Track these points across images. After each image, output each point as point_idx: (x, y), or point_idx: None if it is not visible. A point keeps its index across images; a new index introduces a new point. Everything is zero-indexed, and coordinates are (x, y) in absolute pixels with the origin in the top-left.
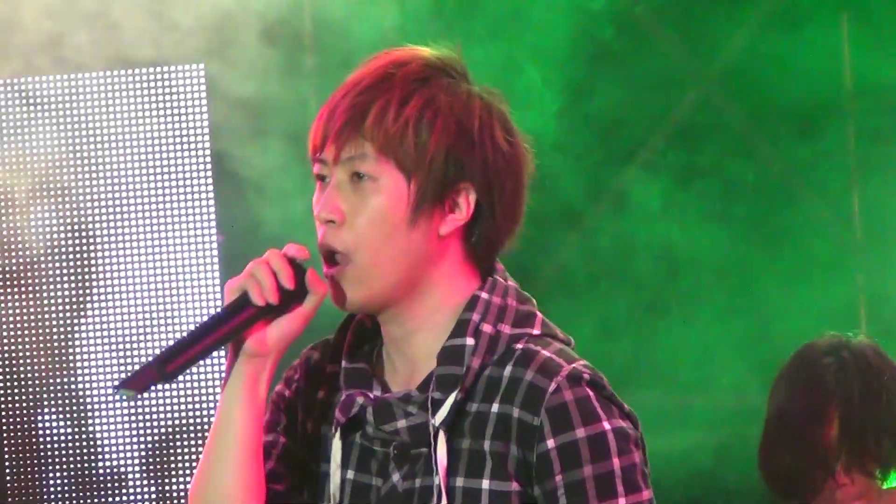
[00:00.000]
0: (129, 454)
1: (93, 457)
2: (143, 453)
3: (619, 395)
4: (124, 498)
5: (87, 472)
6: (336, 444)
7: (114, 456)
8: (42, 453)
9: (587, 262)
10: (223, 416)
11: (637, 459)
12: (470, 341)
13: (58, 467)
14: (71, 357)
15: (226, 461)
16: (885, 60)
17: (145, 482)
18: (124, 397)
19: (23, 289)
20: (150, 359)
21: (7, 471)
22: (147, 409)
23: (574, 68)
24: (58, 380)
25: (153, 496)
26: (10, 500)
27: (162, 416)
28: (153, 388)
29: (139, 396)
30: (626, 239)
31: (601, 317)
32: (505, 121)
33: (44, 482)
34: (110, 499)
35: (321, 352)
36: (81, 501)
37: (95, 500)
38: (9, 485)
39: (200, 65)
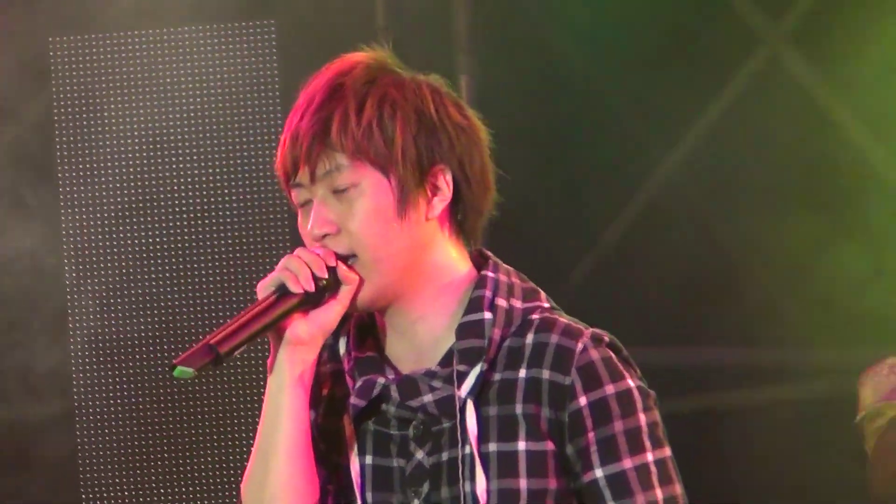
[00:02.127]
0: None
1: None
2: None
3: None
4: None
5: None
6: (350, 432)
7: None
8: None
9: None
10: (272, 408)
11: (657, 417)
12: (488, 315)
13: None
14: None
15: (277, 449)
16: None
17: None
18: (179, 375)
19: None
20: (200, 340)
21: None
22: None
23: None
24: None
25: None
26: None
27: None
28: (207, 369)
29: (195, 375)
30: None
31: None
32: (454, 99)
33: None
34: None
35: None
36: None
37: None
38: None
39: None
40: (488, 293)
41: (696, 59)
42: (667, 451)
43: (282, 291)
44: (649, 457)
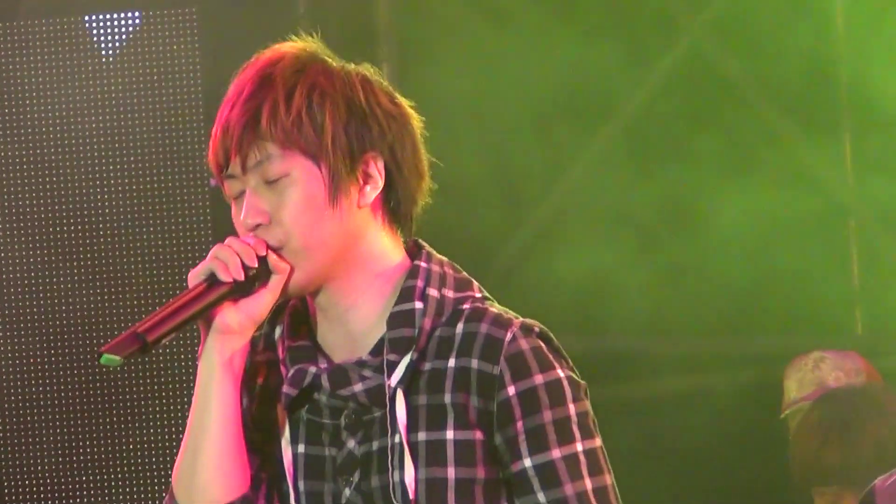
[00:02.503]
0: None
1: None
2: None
3: None
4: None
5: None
6: (283, 421)
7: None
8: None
9: None
10: (202, 396)
11: (588, 407)
12: (419, 305)
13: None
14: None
15: (207, 437)
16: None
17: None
18: (106, 363)
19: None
20: (127, 329)
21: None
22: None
23: None
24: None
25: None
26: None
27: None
28: (135, 356)
29: (122, 363)
30: None
31: None
32: (385, 88)
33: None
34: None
35: (251, 343)
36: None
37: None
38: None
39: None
40: (420, 283)
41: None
42: (597, 442)
43: (211, 280)
44: (578, 447)
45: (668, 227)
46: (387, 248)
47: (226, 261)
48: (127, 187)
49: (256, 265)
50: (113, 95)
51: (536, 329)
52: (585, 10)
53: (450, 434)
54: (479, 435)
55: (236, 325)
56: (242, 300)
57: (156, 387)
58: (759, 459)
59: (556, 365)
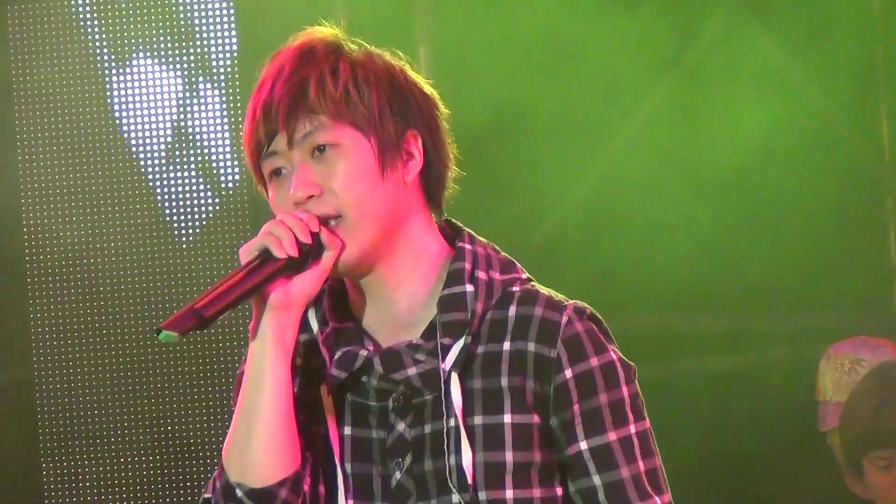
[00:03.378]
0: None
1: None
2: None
3: None
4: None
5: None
6: (328, 403)
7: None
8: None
9: None
10: (255, 370)
11: (638, 389)
12: (470, 288)
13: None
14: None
15: (261, 413)
16: None
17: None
18: (165, 339)
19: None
20: (184, 305)
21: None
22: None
23: None
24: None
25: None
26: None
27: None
28: (192, 331)
29: (180, 339)
30: None
31: None
32: (414, 71)
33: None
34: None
35: None
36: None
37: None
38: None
39: None
40: (468, 265)
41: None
42: (647, 423)
43: (265, 256)
44: (632, 429)
45: (704, 201)
46: (427, 226)
47: (280, 237)
48: (166, 167)
49: (310, 241)
50: (151, 76)
51: (588, 311)
52: None
53: (507, 418)
54: (535, 419)
55: (290, 301)
56: (296, 276)
57: (201, 365)
58: (795, 439)
59: (609, 347)
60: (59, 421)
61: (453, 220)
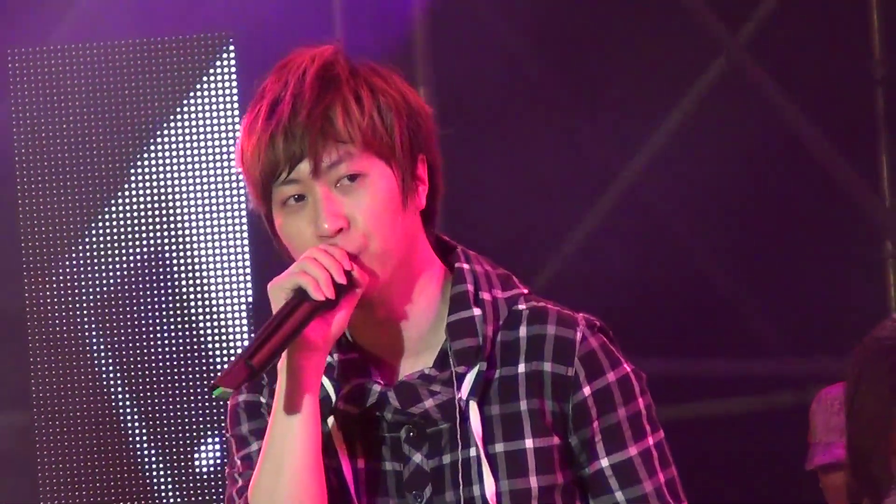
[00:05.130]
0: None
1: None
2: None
3: None
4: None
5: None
6: (338, 435)
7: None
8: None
9: None
10: (285, 411)
11: (650, 399)
12: (477, 311)
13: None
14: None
15: (290, 456)
16: None
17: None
18: (220, 395)
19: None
20: (235, 358)
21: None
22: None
23: None
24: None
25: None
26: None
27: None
28: (245, 382)
29: (233, 392)
30: None
31: None
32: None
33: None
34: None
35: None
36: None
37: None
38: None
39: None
40: (470, 287)
41: (655, 68)
42: (662, 433)
43: (301, 297)
44: (650, 440)
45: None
46: (428, 251)
47: (317, 277)
48: (163, 206)
49: (346, 281)
50: (150, 119)
51: (598, 324)
52: None
53: (529, 443)
54: (556, 440)
55: (325, 341)
56: (328, 314)
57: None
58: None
59: (622, 360)
60: (58, 467)
61: (440, 236)
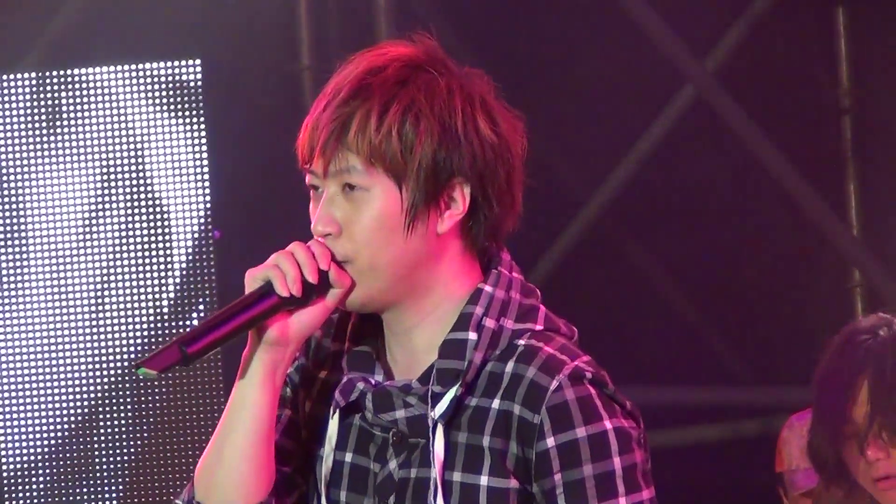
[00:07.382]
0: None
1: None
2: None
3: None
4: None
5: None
6: (333, 426)
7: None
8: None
9: None
10: (238, 401)
11: (638, 459)
12: (472, 335)
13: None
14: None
15: (238, 443)
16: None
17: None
18: (143, 375)
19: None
20: (172, 340)
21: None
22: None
23: None
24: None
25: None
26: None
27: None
28: (173, 369)
29: (159, 376)
30: None
31: None
32: (489, 109)
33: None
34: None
35: (324, 329)
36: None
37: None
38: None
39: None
40: (479, 310)
41: (622, 97)
42: (644, 495)
43: (266, 289)
44: (622, 501)
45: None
46: (460, 272)
47: (286, 272)
48: (131, 232)
49: (317, 280)
50: (119, 148)
51: (588, 375)
52: None
53: (484, 480)
54: (514, 483)
55: (286, 338)
56: (297, 311)
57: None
58: None
59: (605, 415)
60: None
61: (500, 254)
